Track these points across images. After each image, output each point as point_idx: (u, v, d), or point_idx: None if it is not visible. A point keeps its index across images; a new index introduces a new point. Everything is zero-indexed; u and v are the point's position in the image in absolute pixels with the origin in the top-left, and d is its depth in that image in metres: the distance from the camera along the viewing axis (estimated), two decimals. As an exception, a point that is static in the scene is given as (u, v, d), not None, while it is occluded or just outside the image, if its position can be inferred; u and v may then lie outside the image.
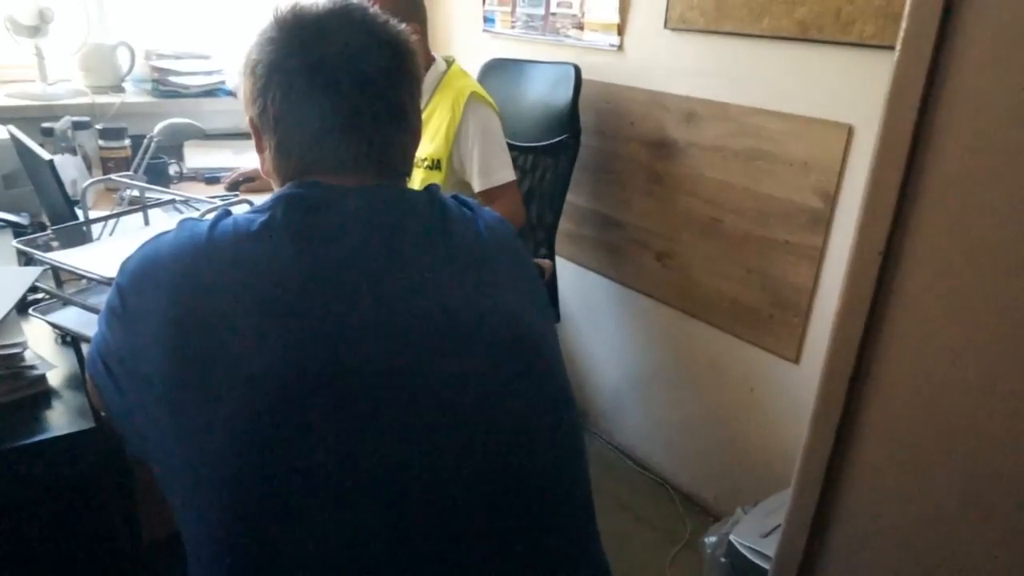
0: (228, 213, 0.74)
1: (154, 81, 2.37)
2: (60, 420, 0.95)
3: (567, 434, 0.80)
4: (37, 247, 1.16)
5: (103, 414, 0.90)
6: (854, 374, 0.94)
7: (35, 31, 2.13)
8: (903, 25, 0.81)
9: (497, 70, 2.22)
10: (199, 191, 1.99)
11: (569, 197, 2.07)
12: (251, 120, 0.80)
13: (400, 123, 0.80)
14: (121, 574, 1.01)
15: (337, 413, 0.67)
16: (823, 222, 1.62)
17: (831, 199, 1.59)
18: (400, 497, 0.68)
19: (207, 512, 0.67)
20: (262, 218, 0.71)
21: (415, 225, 0.76)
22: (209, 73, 2.40)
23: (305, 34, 0.75)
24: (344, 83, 0.75)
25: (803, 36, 1.56)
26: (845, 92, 1.52)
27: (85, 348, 1.06)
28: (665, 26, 1.87)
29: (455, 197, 0.83)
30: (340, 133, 0.76)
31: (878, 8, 1.42)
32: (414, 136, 0.83)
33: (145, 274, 0.73)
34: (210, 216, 0.75)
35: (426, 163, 1.81)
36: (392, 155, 0.80)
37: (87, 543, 0.98)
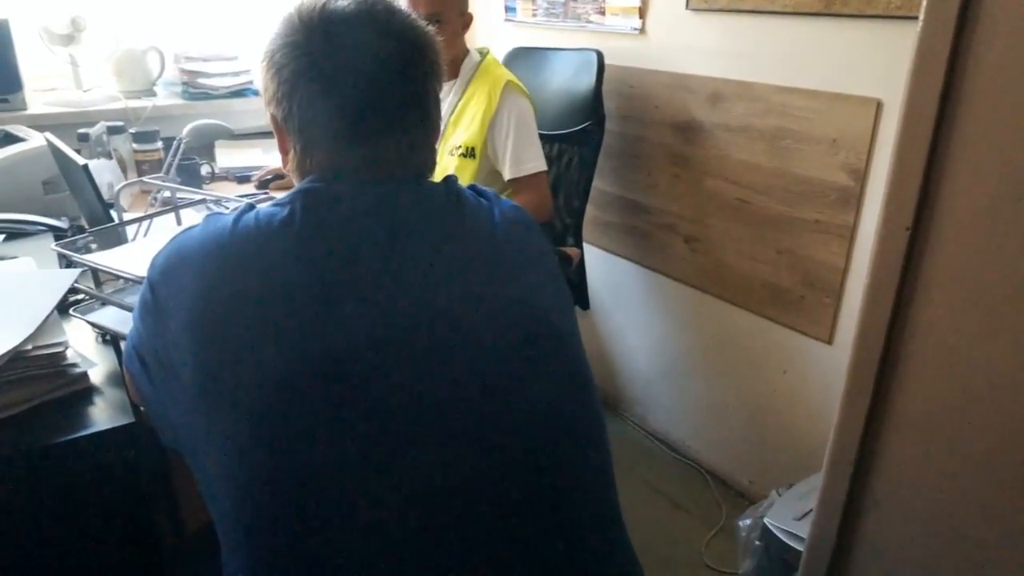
0: (252, 207, 0.76)
1: (184, 84, 2.41)
2: (101, 416, 0.98)
3: (587, 421, 0.79)
4: (76, 250, 1.20)
5: (141, 408, 0.93)
6: (884, 353, 0.92)
7: (69, 40, 2.19)
8: (925, -6, 0.79)
9: (520, 59, 2.22)
10: (230, 190, 2.03)
11: (595, 183, 2.06)
12: (274, 119, 0.80)
13: (427, 125, 0.81)
14: (163, 563, 1.04)
15: (345, 409, 0.68)
16: (853, 200, 1.59)
17: (861, 176, 1.56)
18: (416, 490, 0.68)
19: (234, 500, 0.69)
20: (282, 213, 0.73)
21: (428, 218, 0.77)
22: (237, 74, 2.44)
23: (333, 40, 0.75)
24: (373, 89, 0.75)
25: (827, 11, 1.53)
26: (872, 66, 1.49)
27: (123, 346, 1.09)
28: (687, 7, 1.85)
29: (472, 187, 0.84)
30: (367, 138, 0.77)
31: (905, -22, 1.39)
32: (437, 135, 0.84)
33: (173, 267, 0.75)
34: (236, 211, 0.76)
35: (460, 151, 1.83)
36: (419, 156, 0.81)
37: (129, 533, 1.01)
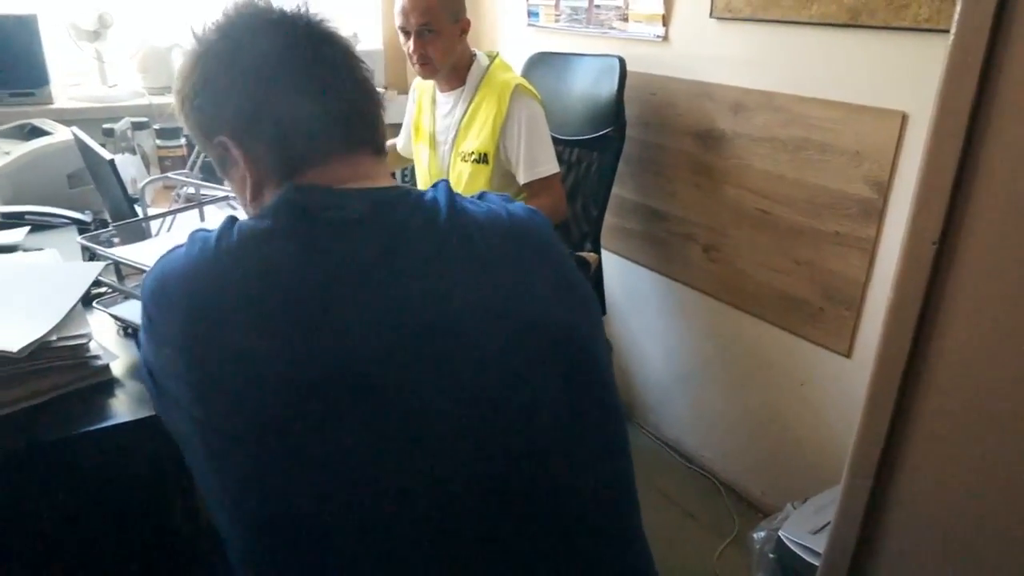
0: (234, 221, 0.74)
1: (207, 81, 2.43)
2: (122, 408, 0.98)
3: (605, 427, 0.78)
4: (100, 243, 1.21)
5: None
6: (907, 368, 0.91)
7: (95, 35, 2.22)
8: (958, 7, 0.79)
9: (541, 64, 2.22)
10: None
11: (614, 190, 2.06)
12: (223, 146, 0.78)
13: (367, 90, 0.81)
14: (178, 556, 1.05)
15: (347, 417, 0.66)
16: (876, 212, 1.58)
17: (884, 189, 1.55)
18: (417, 498, 0.67)
19: (234, 515, 0.69)
20: (265, 225, 0.71)
21: (423, 224, 0.74)
22: (259, 72, 2.45)
23: (246, 31, 0.76)
24: (307, 60, 0.76)
25: (854, 22, 1.53)
26: (898, 78, 1.48)
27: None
28: (711, 15, 1.84)
29: (482, 195, 0.82)
30: (321, 116, 0.76)
31: (934, -10, 1.38)
32: (379, 105, 0.83)
33: (160, 293, 0.73)
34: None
35: (473, 157, 1.83)
36: (368, 124, 0.80)
37: (146, 526, 1.02)
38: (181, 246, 0.75)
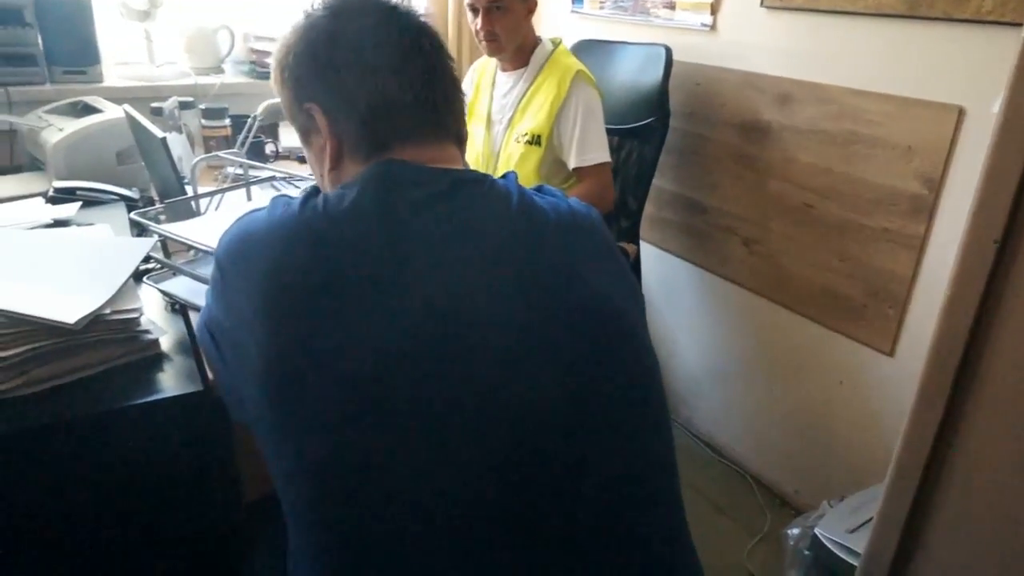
0: (318, 191, 0.76)
1: (251, 63, 2.45)
2: (169, 383, 1.00)
3: (655, 418, 0.79)
4: (149, 220, 1.23)
5: (209, 377, 0.96)
6: (960, 367, 0.89)
7: (145, 16, 2.25)
8: (1032, -1, 0.76)
9: (586, 51, 2.20)
10: (293, 169, 2.06)
11: (654, 180, 2.04)
12: (310, 111, 0.80)
13: (455, 83, 0.84)
14: (222, 530, 1.06)
15: (406, 401, 0.67)
16: (926, 209, 1.54)
17: (936, 185, 1.51)
18: (486, 480, 0.68)
19: (301, 482, 0.70)
20: (352, 195, 0.72)
21: (495, 209, 0.76)
22: (303, 54, 2.46)
23: (353, 13, 0.79)
24: (406, 48, 0.79)
25: (911, 13, 1.49)
26: (956, 72, 1.44)
27: (193, 315, 1.12)
28: (761, 4, 1.81)
29: (540, 188, 0.83)
30: (414, 100, 0.78)
31: (998, -18, 1.34)
32: (463, 100, 0.86)
33: (240, 250, 0.75)
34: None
35: (526, 138, 1.84)
36: (454, 114, 0.83)
37: (190, 499, 1.03)
38: (260, 209, 0.77)
